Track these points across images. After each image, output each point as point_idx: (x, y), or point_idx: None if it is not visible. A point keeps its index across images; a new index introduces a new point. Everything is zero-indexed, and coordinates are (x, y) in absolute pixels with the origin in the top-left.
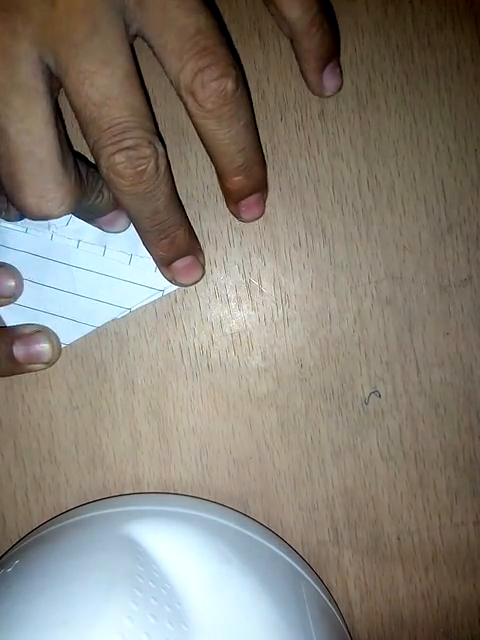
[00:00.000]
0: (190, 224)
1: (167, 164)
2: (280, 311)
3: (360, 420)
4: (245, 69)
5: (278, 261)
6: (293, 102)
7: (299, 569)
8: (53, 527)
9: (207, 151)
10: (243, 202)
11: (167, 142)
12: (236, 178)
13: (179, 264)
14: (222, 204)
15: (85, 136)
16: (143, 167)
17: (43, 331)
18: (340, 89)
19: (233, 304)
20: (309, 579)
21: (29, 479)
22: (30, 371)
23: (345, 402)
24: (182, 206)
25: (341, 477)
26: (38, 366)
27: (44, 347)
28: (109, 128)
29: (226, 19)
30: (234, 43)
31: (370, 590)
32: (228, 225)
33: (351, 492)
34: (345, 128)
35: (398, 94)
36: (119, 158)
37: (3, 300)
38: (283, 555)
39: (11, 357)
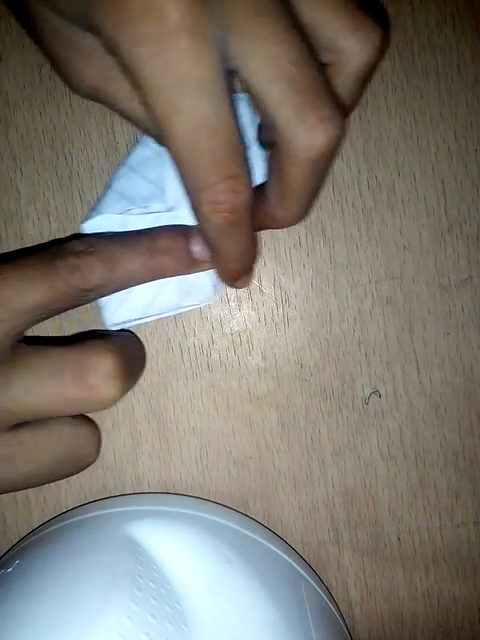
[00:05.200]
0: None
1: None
2: (280, 311)
3: (360, 420)
4: None
5: (278, 261)
6: None
7: (299, 569)
8: (53, 527)
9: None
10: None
11: None
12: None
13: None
14: None
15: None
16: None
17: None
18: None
19: (233, 304)
20: (309, 579)
21: None
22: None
23: (345, 402)
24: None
25: (341, 477)
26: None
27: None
28: (211, 167)
29: None
30: None
31: (370, 590)
32: None
33: (351, 492)
34: None
35: (398, 94)
36: (221, 196)
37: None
38: (283, 555)
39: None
